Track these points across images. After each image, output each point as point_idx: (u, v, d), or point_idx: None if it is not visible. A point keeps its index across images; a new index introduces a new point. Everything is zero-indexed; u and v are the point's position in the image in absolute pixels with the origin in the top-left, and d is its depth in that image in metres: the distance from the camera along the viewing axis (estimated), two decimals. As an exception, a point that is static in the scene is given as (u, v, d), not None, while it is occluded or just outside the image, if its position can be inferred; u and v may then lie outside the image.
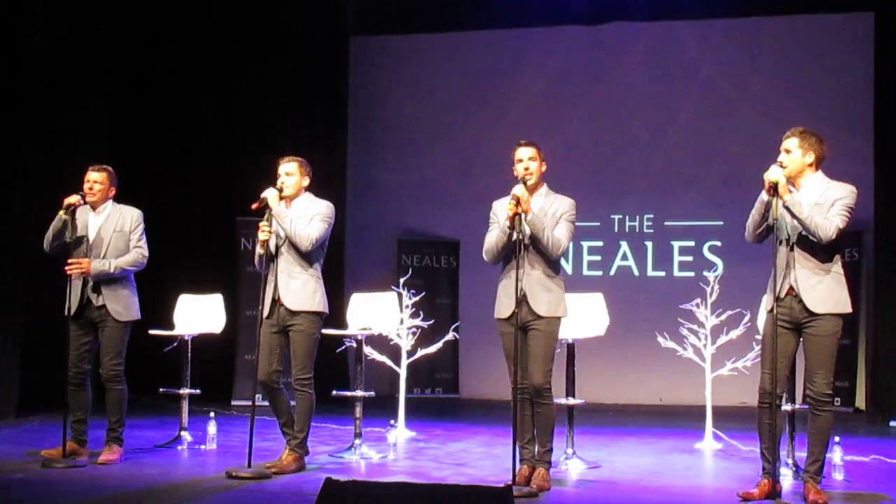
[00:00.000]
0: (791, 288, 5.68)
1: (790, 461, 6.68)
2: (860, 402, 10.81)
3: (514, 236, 5.97)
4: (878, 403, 10.10)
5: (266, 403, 6.81)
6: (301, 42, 11.74)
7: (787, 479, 6.34)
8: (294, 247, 6.56)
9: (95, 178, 6.97)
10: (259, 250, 6.62)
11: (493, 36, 12.57)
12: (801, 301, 5.65)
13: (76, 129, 9.86)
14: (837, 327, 5.68)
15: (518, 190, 5.99)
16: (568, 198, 6.23)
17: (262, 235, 6.53)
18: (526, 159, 6.16)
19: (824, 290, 5.64)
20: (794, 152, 5.74)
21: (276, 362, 6.62)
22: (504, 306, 6.09)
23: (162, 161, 11.60)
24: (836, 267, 5.71)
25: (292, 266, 6.58)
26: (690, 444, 8.16)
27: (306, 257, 6.60)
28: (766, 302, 5.89)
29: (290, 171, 6.69)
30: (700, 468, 7.34)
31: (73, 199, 6.81)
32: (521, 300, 6.00)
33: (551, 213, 6.12)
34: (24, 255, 9.08)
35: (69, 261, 6.79)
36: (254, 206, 6.61)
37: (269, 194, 6.55)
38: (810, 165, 5.77)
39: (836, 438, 6.36)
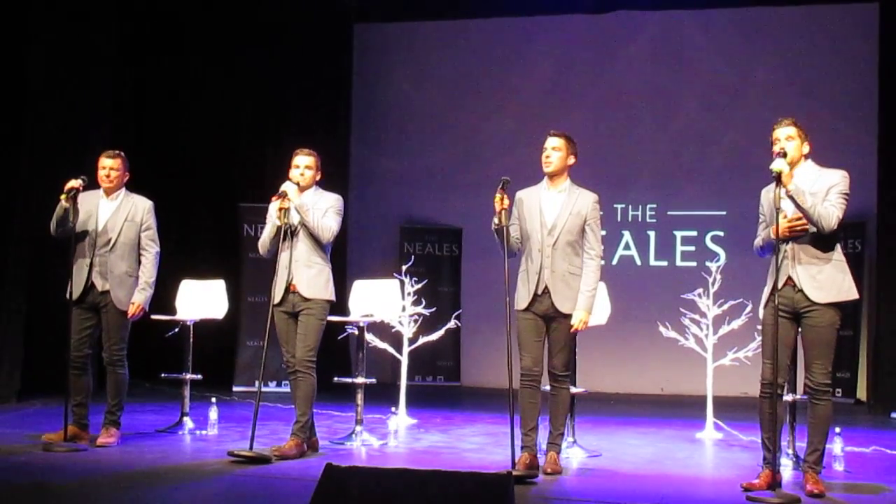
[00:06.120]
0: (790, 278, 5.67)
1: (790, 451, 6.68)
2: (861, 393, 10.82)
3: (505, 230, 6.09)
4: (879, 394, 10.11)
5: (267, 390, 6.82)
6: (304, 29, 11.73)
7: (787, 470, 6.35)
8: (310, 237, 6.62)
9: (111, 165, 6.99)
10: (270, 234, 6.65)
11: (497, 24, 12.54)
12: (800, 291, 5.63)
13: (80, 115, 9.85)
14: (836, 318, 5.66)
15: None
16: (591, 193, 6.27)
17: (277, 222, 6.58)
18: (549, 149, 6.21)
19: (825, 280, 5.61)
20: (795, 140, 5.72)
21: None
22: (521, 298, 6.18)
23: (165, 147, 11.59)
24: (837, 255, 5.67)
25: (309, 255, 6.64)
26: (691, 434, 8.16)
27: (321, 247, 6.67)
28: (766, 292, 5.88)
29: (310, 165, 6.74)
30: (700, 458, 7.35)
31: (73, 183, 6.79)
32: (543, 293, 6.10)
33: (575, 211, 6.16)
34: (27, 239, 9.10)
35: (130, 315, 6.91)
36: (273, 198, 6.61)
37: (290, 189, 6.58)
38: (805, 155, 5.76)
39: (837, 429, 6.36)
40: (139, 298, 6.94)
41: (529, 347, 6.14)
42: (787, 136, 5.71)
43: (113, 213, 6.97)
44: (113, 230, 6.92)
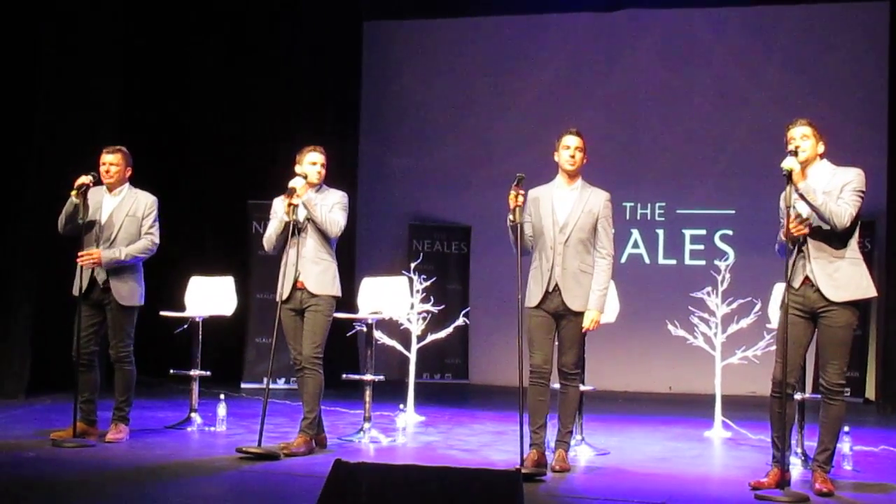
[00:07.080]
0: (807, 278, 5.64)
1: (799, 450, 6.68)
2: (870, 392, 10.79)
3: (519, 227, 6.07)
4: (888, 394, 10.08)
5: (276, 386, 6.82)
6: (314, 26, 11.73)
7: (796, 468, 6.34)
8: (318, 233, 6.62)
9: (111, 161, 6.98)
10: (277, 229, 6.64)
11: (506, 22, 12.53)
12: (817, 290, 5.60)
13: (89, 110, 9.84)
14: (853, 318, 5.64)
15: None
16: (603, 192, 6.34)
17: (285, 218, 6.56)
18: (573, 147, 6.24)
19: (842, 278, 5.58)
20: (810, 139, 5.69)
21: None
22: (533, 296, 6.18)
23: (175, 143, 11.60)
24: (851, 252, 5.63)
25: (316, 252, 6.65)
26: (699, 433, 8.15)
27: (328, 243, 6.68)
28: (781, 292, 5.85)
29: (324, 163, 6.74)
30: (709, 456, 7.35)
31: (84, 179, 6.79)
32: (554, 290, 6.12)
33: (587, 209, 6.21)
34: (35, 235, 9.11)
35: (80, 253, 6.79)
36: (283, 197, 6.59)
37: (298, 184, 6.57)
38: (820, 154, 5.74)
39: (846, 428, 6.33)
40: (106, 255, 6.79)
41: (540, 345, 6.16)
42: (802, 136, 5.68)
43: (115, 208, 6.96)
44: (115, 225, 6.92)
